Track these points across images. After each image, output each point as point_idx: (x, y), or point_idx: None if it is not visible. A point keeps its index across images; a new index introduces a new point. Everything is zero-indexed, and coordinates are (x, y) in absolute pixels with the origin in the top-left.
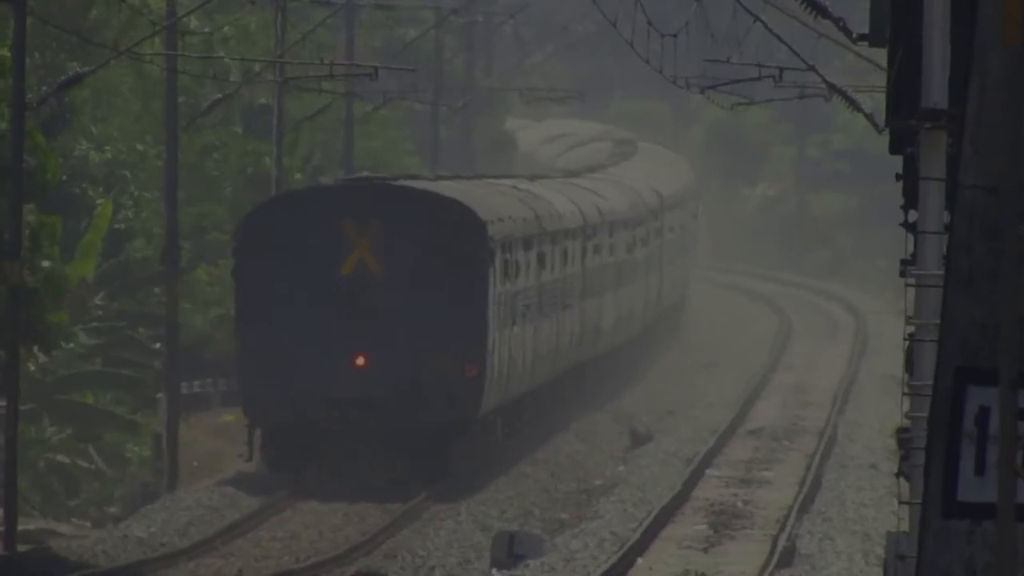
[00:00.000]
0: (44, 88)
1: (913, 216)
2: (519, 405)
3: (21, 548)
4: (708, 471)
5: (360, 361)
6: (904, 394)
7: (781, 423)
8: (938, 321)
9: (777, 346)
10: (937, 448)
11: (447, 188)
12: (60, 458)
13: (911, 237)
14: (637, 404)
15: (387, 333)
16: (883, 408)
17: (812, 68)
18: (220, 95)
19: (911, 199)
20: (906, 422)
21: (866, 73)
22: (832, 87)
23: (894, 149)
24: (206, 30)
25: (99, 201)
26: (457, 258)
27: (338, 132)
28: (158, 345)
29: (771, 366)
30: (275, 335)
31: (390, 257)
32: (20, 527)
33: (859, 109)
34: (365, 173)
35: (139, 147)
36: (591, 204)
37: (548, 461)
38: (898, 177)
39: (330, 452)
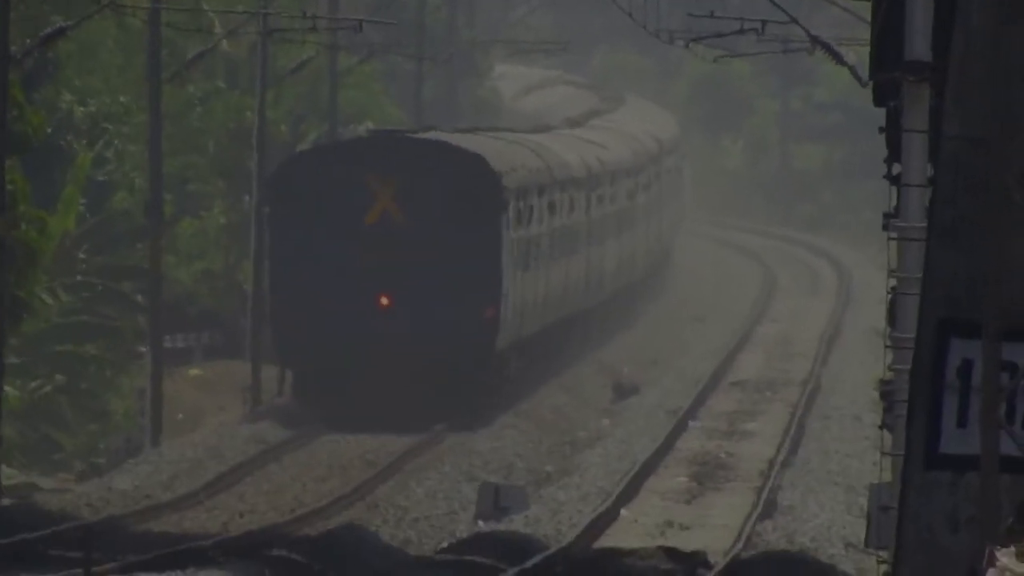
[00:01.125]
0: (27, 41)
1: (897, 169)
2: (531, 344)
3: (5, 502)
4: (691, 423)
5: (384, 302)
6: (887, 347)
7: (765, 375)
8: (920, 274)
9: (761, 299)
10: (920, 400)
11: (463, 140)
12: (43, 410)
13: (895, 190)
14: (623, 355)
15: (409, 277)
16: (866, 361)
17: (795, 21)
18: (203, 48)
19: (895, 152)
20: (889, 374)
21: (850, 26)
22: (815, 40)
23: (878, 102)
24: None
25: (83, 155)
26: (474, 206)
27: (322, 86)
28: (141, 299)
29: (756, 319)
30: (305, 279)
31: (411, 206)
32: (4, 482)
33: (842, 62)
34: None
35: (122, 100)
36: (594, 154)
37: (532, 413)
38: (881, 130)
39: (355, 387)
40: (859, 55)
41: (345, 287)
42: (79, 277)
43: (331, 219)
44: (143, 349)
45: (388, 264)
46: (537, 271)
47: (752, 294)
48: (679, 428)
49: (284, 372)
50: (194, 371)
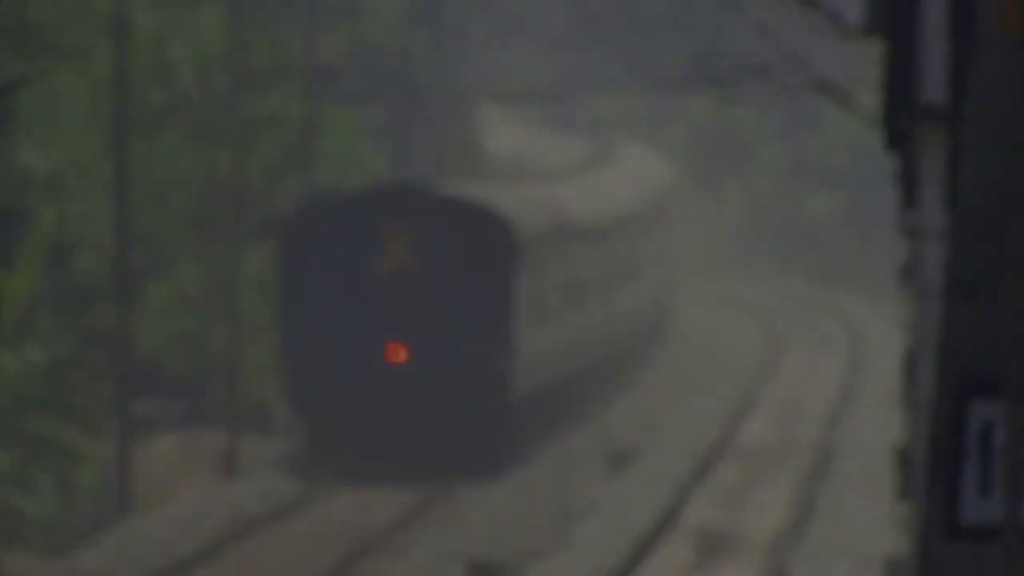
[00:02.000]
0: None
1: (911, 218)
2: (544, 397)
3: None
4: (694, 492)
5: (396, 353)
6: (903, 409)
7: (772, 440)
8: (939, 332)
9: (768, 359)
10: (939, 467)
11: (475, 190)
12: (5, 489)
13: (910, 241)
14: (620, 417)
15: (420, 327)
16: (881, 424)
17: (801, 62)
18: (172, 96)
19: (910, 200)
20: (905, 439)
21: (861, 63)
22: (821, 82)
23: (890, 147)
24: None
25: (44, 211)
26: (486, 257)
27: (298, 135)
28: (107, 364)
29: (762, 379)
30: (316, 328)
31: (423, 256)
32: None
33: (848, 105)
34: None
35: (86, 153)
36: (597, 204)
37: (525, 479)
38: (895, 177)
39: (367, 439)
40: (871, 96)
41: (356, 337)
42: (39, 344)
43: (343, 269)
44: (110, 418)
45: (399, 315)
46: (550, 323)
47: (757, 353)
48: (681, 497)
49: (295, 423)
50: (165, 441)
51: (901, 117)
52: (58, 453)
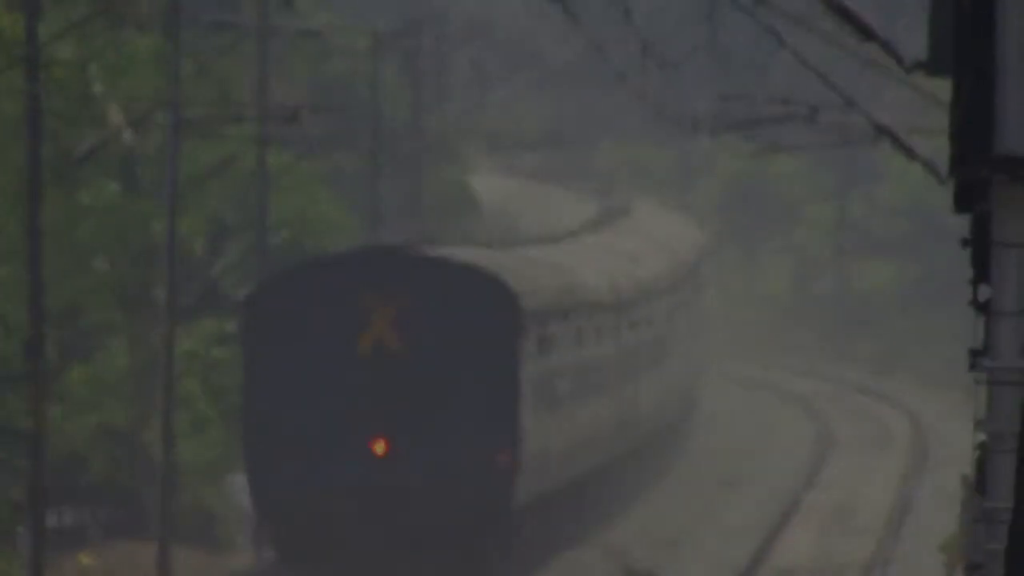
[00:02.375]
0: None
1: (985, 293)
2: (552, 502)
3: None
4: None
5: (380, 447)
6: (976, 521)
7: (818, 558)
8: (1017, 428)
9: (813, 459)
10: None
11: (473, 255)
12: None
13: (983, 320)
14: (634, 532)
15: (407, 416)
16: (949, 538)
17: (854, 104)
18: (95, 142)
19: (982, 270)
20: (978, 556)
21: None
22: (880, 128)
23: (959, 206)
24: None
25: None
26: (487, 334)
27: (249, 189)
28: (18, 464)
29: (805, 484)
30: (286, 419)
31: (412, 333)
32: None
33: (914, 156)
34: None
35: None
36: (616, 274)
37: None
38: (965, 243)
39: (346, 547)
40: (935, 146)
41: (334, 429)
42: None
43: (318, 348)
44: (20, 528)
45: (384, 403)
46: (560, 414)
47: (801, 452)
48: None
49: (259, 527)
50: (85, 558)
51: (974, 169)
52: None
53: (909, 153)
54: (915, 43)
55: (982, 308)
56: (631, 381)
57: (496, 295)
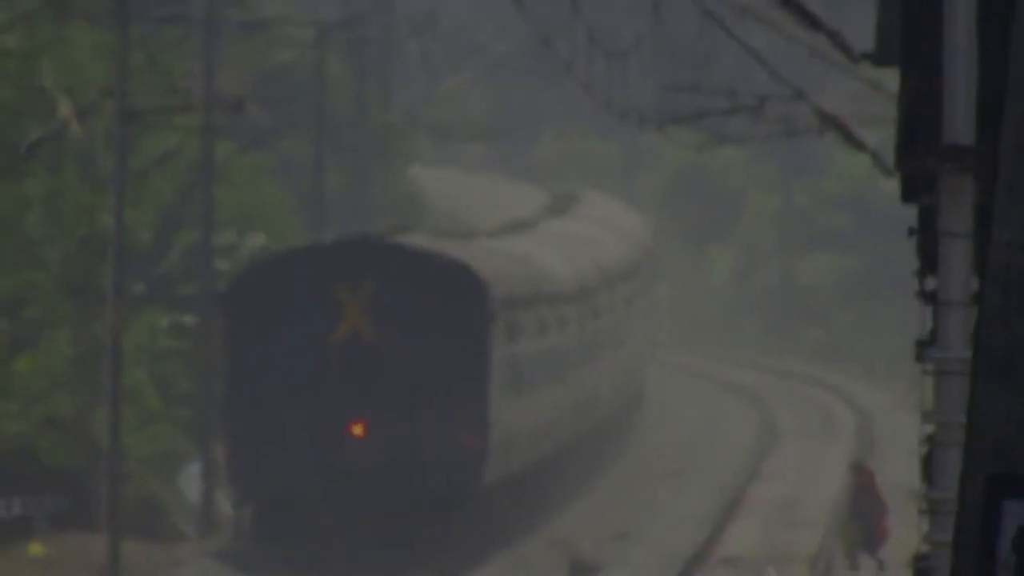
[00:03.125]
0: None
1: (932, 284)
2: (522, 479)
3: None
4: None
5: (355, 430)
6: (921, 511)
7: (763, 549)
8: (964, 418)
9: (758, 450)
10: None
11: (443, 245)
12: None
13: (929, 311)
14: (581, 523)
15: (381, 401)
16: (895, 530)
17: (801, 95)
18: (43, 133)
19: (928, 261)
20: (925, 547)
21: (870, 101)
22: (827, 118)
23: (906, 197)
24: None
25: None
26: (457, 321)
27: (195, 180)
28: None
29: (750, 475)
30: (264, 404)
31: (385, 321)
32: None
33: (861, 146)
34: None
35: None
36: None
37: None
38: (911, 232)
39: (323, 526)
40: (882, 137)
41: (311, 413)
42: None
43: (294, 336)
44: None
45: (359, 387)
46: (526, 398)
47: (745, 443)
48: None
49: (238, 508)
50: (35, 548)
51: (921, 160)
52: None
53: (856, 143)
54: (862, 33)
55: (928, 298)
56: (592, 367)
57: (466, 284)
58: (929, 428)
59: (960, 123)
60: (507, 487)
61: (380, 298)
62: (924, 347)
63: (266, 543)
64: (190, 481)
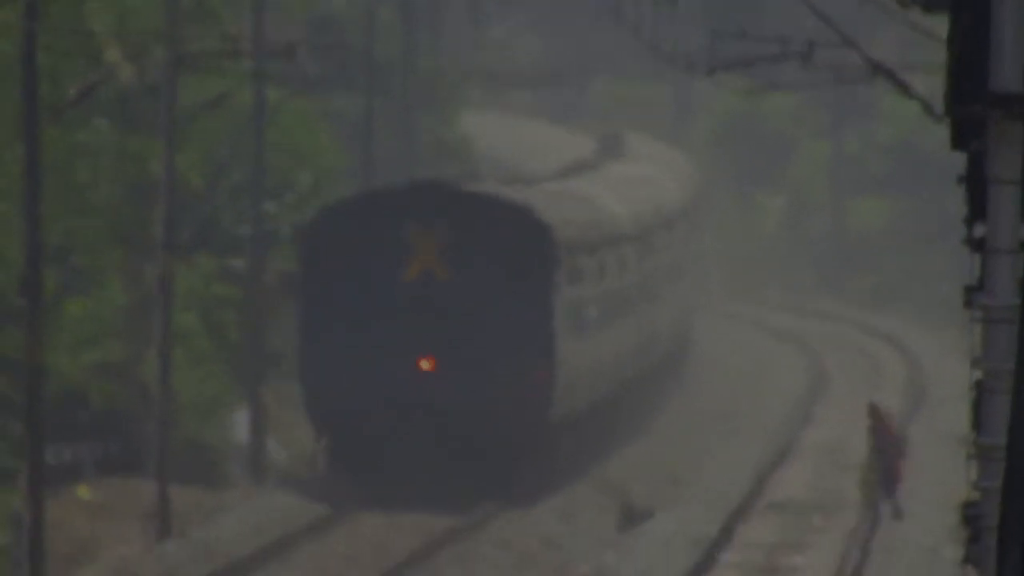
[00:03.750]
0: None
1: (981, 230)
2: (588, 416)
3: None
4: (722, 556)
5: (425, 365)
6: (971, 457)
7: (813, 495)
8: (1013, 365)
9: (808, 397)
10: (1014, 527)
11: (511, 190)
12: None
13: (978, 257)
14: (631, 468)
15: (452, 339)
16: (944, 476)
17: (850, 42)
18: (93, 78)
19: (977, 208)
20: (974, 494)
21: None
22: (876, 66)
23: (956, 144)
24: None
25: None
26: (524, 263)
27: (244, 126)
28: (16, 398)
29: (800, 422)
30: (339, 341)
31: (455, 262)
32: None
33: (910, 93)
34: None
35: None
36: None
37: (514, 543)
38: (960, 179)
39: (394, 457)
40: (932, 84)
41: (383, 350)
42: None
43: (367, 276)
44: (20, 465)
45: (429, 325)
46: (591, 335)
47: (796, 391)
48: (704, 565)
49: (318, 440)
50: (84, 491)
51: (970, 107)
52: None
53: (905, 90)
54: None
55: (977, 246)
56: (651, 304)
57: (533, 227)
58: (978, 375)
59: (1009, 70)
60: (572, 425)
61: (451, 240)
62: (972, 293)
63: (340, 476)
64: (239, 427)
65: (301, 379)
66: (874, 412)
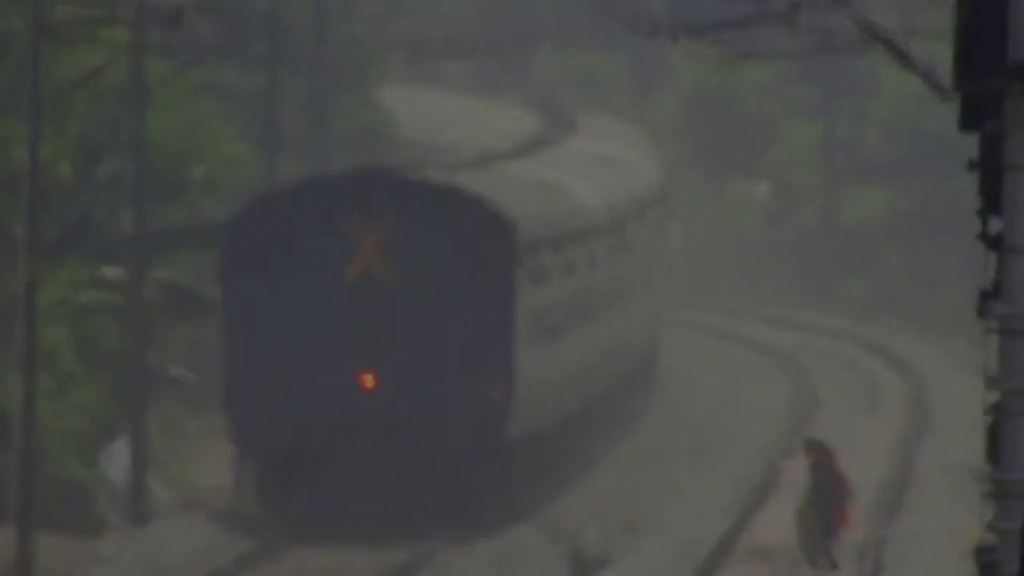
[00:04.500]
0: None
1: (997, 225)
2: (550, 433)
3: None
4: None
5: (368, 380)
6: (986, 495)
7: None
8: None
9: (793, 423)
10: None
11: (466, 178)
12: None
13: (994, 256)
14: (584, 510)
15: (398, 348)
16: (954, 517)
17: (842, 2)
18: None
19: (992, 199)
20: (990, 537)
21: (922, 11)
22: (872, 31)
23: (966, 123)
24: None
25: None
26: (480, 260)
27: (122, 106)
28: None
29: (784, 452)
30: (269, 351)
31: (402, 260)
32: None
33: (912, 65)
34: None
35: None
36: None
37: None
38: (972, 166)
39: (332, 484)
40: (937, 54)
41: (320, 361)
42: None
43: (303, 276)
44: None
45: (373, 333)
46: (556, 343)
47: (778, 414)
48: None
49: (241, 464)
50: None
51: (983, 80)
52: None
53: (906, 61)
54: None
55: (993, 243)
56: (623, 308)
57: (492, 220)
58: (994, 396)
59: None
60: (533, 442)
61: (397, 236)
62: (987, 300)
63: (270, 504)
64: (117, 463)
65: (225, 397)
66: (813, 449)
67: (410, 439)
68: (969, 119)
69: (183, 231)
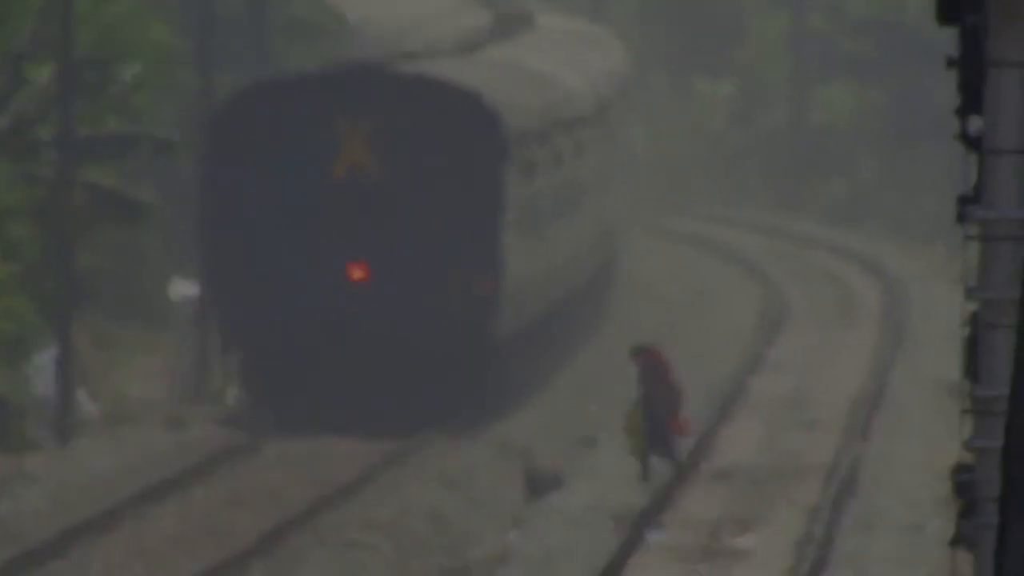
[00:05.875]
0: None
1: (977, 125)
2: (537, 329)
3: None
4: (651, 536)
5: (356, 273)
6: (964, 411)
7: (767, 459)
8: (1018, 293)
9: (761, 335)
10: (1017, 497)
11: (453, 71)
12: None
13: (974, 159)
14: (539, 426)
15: (385, 245)
16: (931, 434)
17: None
18: None
19: (972, 97)
20: (968, 456)
21: None
22: None
23: (944, 16)
24: None
25: None
26: (468, 156)
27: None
28: None
29: (751, 367)
30: (252, 248)
31: (388, 155)
32: None
33: None
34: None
35: None
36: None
37: (398, 523)
38: (950, 63)
39: (320, 380)
40: None
41: (306, 256)
42: None
43: (288, 172)
44: None
45: (359, 227)
46: (542, 236)
47: (745, 326)
48: (630, 546)
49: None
50: None
51: None
52: None
53: None
54: None
55: (973, 144)
56: (609, 194)
57: (480, 114)
58: (973, 306)
59: None
60: (521, 339)
61: (383, 130)
62: (967, 204)
63: (257, 400)
64: (43, 375)
65: (208, 293)
66: (641, 354)
67: (397, 334)
68: (948, 10)
69: (115, 135)
